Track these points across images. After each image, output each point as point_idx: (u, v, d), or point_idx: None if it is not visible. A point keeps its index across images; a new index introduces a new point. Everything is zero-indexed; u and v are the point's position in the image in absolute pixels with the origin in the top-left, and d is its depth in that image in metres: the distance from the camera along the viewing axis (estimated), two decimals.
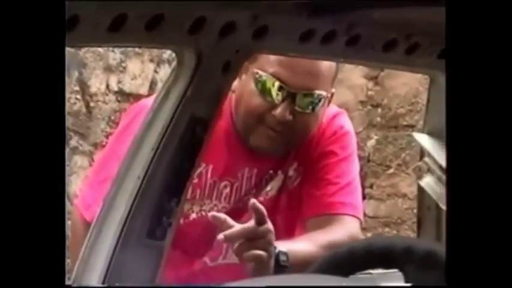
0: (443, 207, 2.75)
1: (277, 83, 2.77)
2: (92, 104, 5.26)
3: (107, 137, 4.13)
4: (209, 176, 2.92)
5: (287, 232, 2.93)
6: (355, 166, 3.11)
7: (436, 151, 2.85)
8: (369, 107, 5.32)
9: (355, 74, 5.11)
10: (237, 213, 2.85)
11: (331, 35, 2.44)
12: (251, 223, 2.61)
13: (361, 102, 5.14)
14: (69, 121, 5.12)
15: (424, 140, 2.91)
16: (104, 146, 3.85)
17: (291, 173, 3.02)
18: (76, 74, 5.32)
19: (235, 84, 2.67)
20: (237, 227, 2.59)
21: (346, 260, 2.31)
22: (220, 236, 2.58)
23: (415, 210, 3.51)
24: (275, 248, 2.68)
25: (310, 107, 2.84)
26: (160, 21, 2.13)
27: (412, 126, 4.65)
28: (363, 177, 3.49)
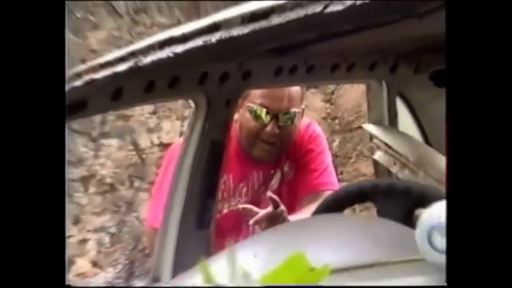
0: (393, 170, 2.74)
1: (264, 110, 2.89)
2: (143, 156, 5.28)
3: (157, 174, 3.97)
4: (231, 181, 3.00)
5: (290, 210, 2.94)
6: (328, 157, 3.23)
7: (379, 133, 2.80)
8: (329, 121, 5.66)
9: (316, 100, 5.43)
10: (254, 204, 2.94)
11: (294, 67, 2.49)
12: (269, 208, 2.75)
13: (323, 118, 5.47)
14: (130, 170, 5.17)
15: (370, 128, 2.89)
16: (156, 179, 3.61)
17: (285, 169, 3.15)
18: (129, 138, 5.21)
19: (236, 116, 2.79)
20: (261, 212, 2.75)
21: (345, 196, 2.61)
22: (251, 221, 2.76)
23: None
24: (288, 221, 2.81)
25: (290, 121, 2.96)
26: (177, 81, 2.16)
27: (360, 127, 4.77)
28: (335, 167, 3.54)
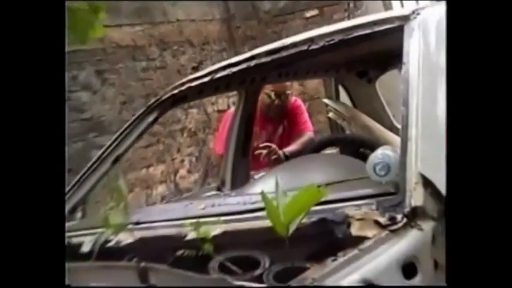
0: (338, 121, 2.96)
1: (273, 92, 3.25)
2: (210, 117, 5.41)
3: (217, 127, 4.29)
4: (258, 130, 3.13)
5: (286, 145, 3.25)
6: (306, 115, 3.54)
7: (330, 103, 3.01)
8: (303, 95, 5.34)
9: (295, 84, 5.10)
10: (270, 141, 3.22)
11: (287, 73, 2.69)
12: (273, 146, 3.17)
13: (299, 94, 5.15)
14: (203, 124, 5.45)
15: (325, 100, 3.10)
16: (218, 129, 4.04)
17: (285, 123, 3.46)
18: (202, 107, 5.41)
19: (259, 97, 3.05)
20: (272, 146, 3.15)
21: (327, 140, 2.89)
22: (267, 152, 3.12)
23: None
24: (283, 152, 3.12)
25: (285, 97, 3.33)
26: (230, 84, 2.39)
27: (318, 98, 4.57)
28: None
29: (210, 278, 1.20)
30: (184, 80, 2.25)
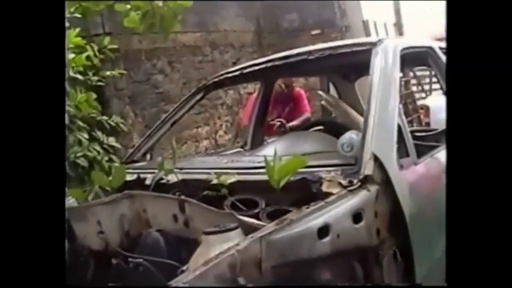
0: (328, 107, 2.65)
1: (283, 84, 3.26)
2: (241, 96, 5.45)
3: (245, 104, 4.15)
4: (271, 109, 2.97)
5: (291, 121, 3.18)
6: (306, 101, 3.47)
7: (323, 94, 2.80)
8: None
9: (300, 79, 5.19)
10: (279, 118, 3.19)
11: (293, 72, 2.81)
12: (283, 121, 3.14)
13: (301, 86, 4.89)
14: (235, 101, 5.31)
15: (319, 92, 2.89)
16: (244, 105, 4.16)
17: (290, 105, 3.42)
18: (237, 89, 5.31)
19: (274, 88, 3.00)
20: (283, 121, 3.14)
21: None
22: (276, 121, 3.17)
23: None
24: (288, 126, 3.11)
25: (291, 88, 3.35)
26: (254, 76, 2.28)
27: (315, 89, 4.08)
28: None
29: (224, 212, 1.20)
30: (222, 72, 2.24)
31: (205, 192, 1.36)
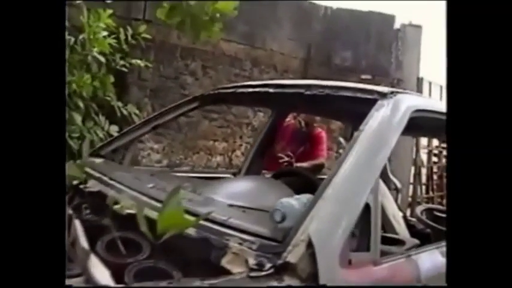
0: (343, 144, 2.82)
1: (303, 121, 3.01)
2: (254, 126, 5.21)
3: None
4: (285, 144, 2.92)
5: (303, 161, 2.92)
6: (325, 145, 3.15)
7: (343, 141, 2.90)
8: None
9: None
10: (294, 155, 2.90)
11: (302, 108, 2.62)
12: (293, 157, 2.81)
13: None
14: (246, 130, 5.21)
15: (341, 139, 3.02)
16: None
17: (307, 146, 3.05)
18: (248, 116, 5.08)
19: (293, 121, 3.00)
20: (292, 157, 2.83)
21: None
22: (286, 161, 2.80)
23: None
24: (296, 166, 2.77)
25: (311, 127, 3.02)
26: (263, 102, 2.43)
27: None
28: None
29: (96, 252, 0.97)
30: (218, 87, 2.11)
31: (107, 210, 1.11)
